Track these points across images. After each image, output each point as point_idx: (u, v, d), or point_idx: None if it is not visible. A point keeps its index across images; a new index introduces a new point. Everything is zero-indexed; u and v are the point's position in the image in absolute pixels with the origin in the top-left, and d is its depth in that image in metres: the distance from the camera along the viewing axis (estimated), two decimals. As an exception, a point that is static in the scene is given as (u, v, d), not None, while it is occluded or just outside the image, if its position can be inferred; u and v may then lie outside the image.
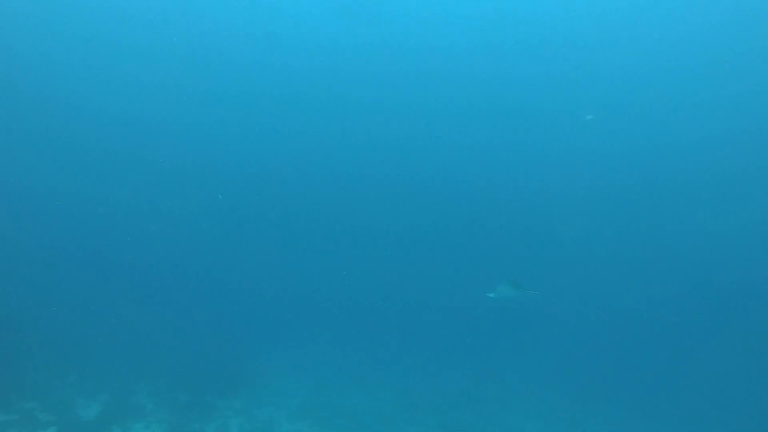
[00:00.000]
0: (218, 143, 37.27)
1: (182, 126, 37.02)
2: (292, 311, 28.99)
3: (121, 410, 15.61)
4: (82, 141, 34.31)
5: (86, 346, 21.01)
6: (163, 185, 34.99)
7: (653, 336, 30.65)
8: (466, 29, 36.72)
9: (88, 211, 32.13)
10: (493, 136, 37.72)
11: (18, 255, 27.84)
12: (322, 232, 35.67)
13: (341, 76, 37.70)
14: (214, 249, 33.04)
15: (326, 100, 37.72)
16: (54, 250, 29.27)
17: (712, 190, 35.64)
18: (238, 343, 24.22)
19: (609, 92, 36.88)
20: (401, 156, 37.67)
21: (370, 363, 25.90)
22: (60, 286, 26.91)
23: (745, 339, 28.55)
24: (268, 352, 24.50)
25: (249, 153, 37.23)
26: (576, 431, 22.11)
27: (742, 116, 35.80)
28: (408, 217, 36.38)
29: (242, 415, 17.48)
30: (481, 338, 29.63)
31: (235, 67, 37.74)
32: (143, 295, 27.97)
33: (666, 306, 31.51)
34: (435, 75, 37.34)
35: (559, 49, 36.34)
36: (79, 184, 33.03)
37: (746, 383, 25.74)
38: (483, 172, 37.21)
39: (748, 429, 23.76)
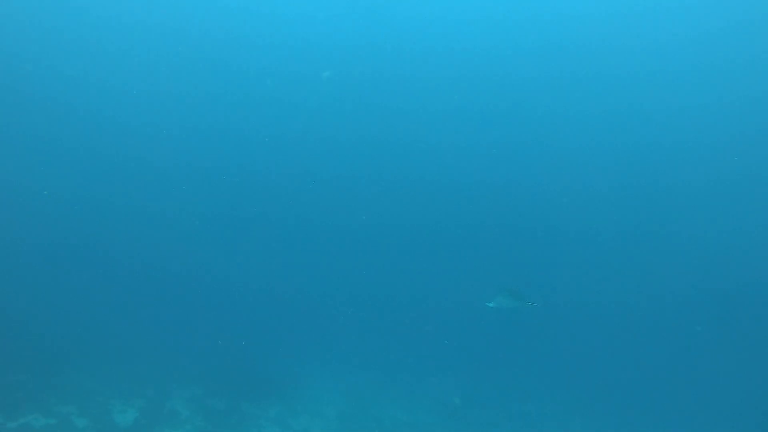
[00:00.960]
0: (233, 145, 37.30)
1: (196, 129, 37.13)
2: (329, 317, 28.54)
3: (156, 417, 15.30)
4: (103, 146, 34.95)
5: (125, 349, 21.01)
6: (193, 188, 35.28)
7: (659, 336, 29.65)
8: (468, 31, 36.19)
9: (125, 216, 32.58)
10: (498, 137, 37.05)
11: (58, 258, 28.32)
12: (358, 237, 35.40)
13: (342, 77, 37.12)
14: (254, 254, 33.04)
15: (328, 102, 37.28)
16: (93, 253, 29.66)
17: (712, 192, 34.62)
18: (275, 348, 23.88)
19: (609, 93, 36.04)
20: (421, 158, 37.09)
21: (410, 373, 25.12)
22: (100, 289, 27.18)
23: (746, 340, 27.95)
24: (305, 358, 24.06)
25: (268, 154, 37.14)
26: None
27: (743, 118, 34.79)
28: (438, 220, 35.88)
29: (277, 425, 17.00)
30: (525, 350, 28.68)
31: (237, 69, 37.67)
32: (182, 300, 28.02)
33: (669, 308, 30.79)
34: (435, 76, 36.73)
35: (561, 50, 35.60)
36: (110, 188, 33.66)
37: (747, 384, 24.92)
38: (496, 172, 36.45)
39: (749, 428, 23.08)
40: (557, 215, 35.22)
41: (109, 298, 26.09)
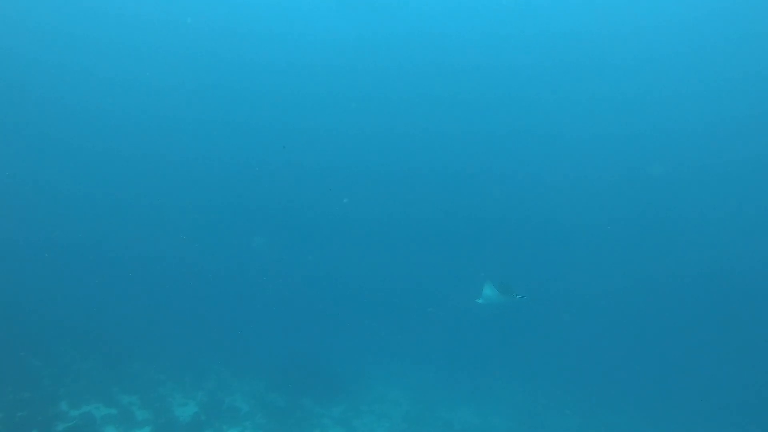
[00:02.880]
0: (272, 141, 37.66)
1: (207, 125, 37.63)
2: (394, 314, 27.42)
3: (216, 412, 14.67)
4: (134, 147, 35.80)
5: (189, 341, 20.78)
6: (252, 188, 35.51)
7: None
8: (463, 24, 34.42)
9: (186, 217, 33.24)
10: (495, 134, 36.89)
11: (126, 253, 28.92)
12: (424, 235, 34.80)
13: (341, 72, 36.90)
14: (322, 249, 32.99)
15: (327, 97, 37.16)
16: (159, 249, 30.22)
17: (712, 188, 33.85)
18: (339, 344, 23.01)
19: (609, 89, 34.77)
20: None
21: (480, 372, 23.55)
22: (166, 283, 27.49)
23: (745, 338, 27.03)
24: (370, 354, 23.04)
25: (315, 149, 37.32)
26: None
27: (743, 116, 33.09)
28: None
29: (341, 426, 15.96)
30: (603, 354, 26.56)
31: (237, 65, 37.56)
32: (246, 293, 27.90)
33: (676, 306, 30.04)
34: (434, 73, 35.92)
35: (562, 44, 33.84)
36: (163, 189, 34.44)
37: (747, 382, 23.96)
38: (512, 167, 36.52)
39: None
40: (563, 207, 35.07)
41: (174, 291, 26.31)
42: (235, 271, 29.85)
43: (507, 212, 35.96)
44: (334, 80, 37.14)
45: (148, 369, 17.44)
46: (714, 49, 32.07)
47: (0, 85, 34.65)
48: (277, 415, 15.34)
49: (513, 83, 35.86)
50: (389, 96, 37.20)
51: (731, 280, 31.00)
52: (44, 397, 13.65)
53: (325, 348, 22.71)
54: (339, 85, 37.25)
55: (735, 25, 30.23)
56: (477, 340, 26.05)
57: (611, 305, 30.99)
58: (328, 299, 28.97)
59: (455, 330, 26.50)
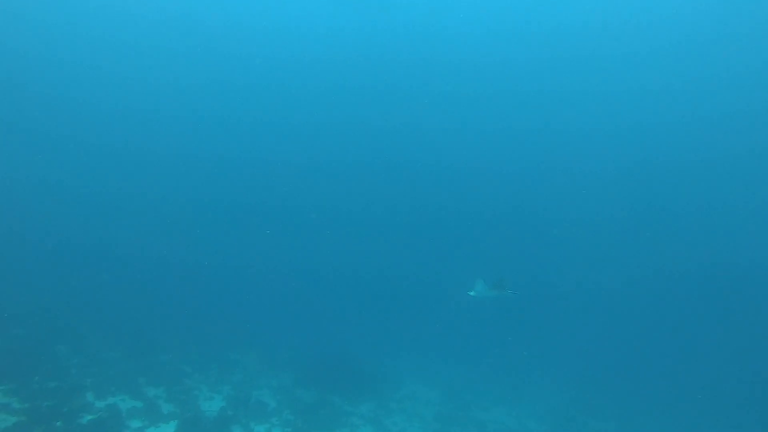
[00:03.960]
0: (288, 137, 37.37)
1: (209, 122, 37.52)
2: (425, 310, 26.69)
3: (243, 407, 14.19)
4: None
5: (216, 333, 20.46)
6: (282, 184, 35.37)
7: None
8: (463, 23, 34.46)
9: (217, 214, 33.25)
10: (493, 131, 36.92)
11: (155, 248, 28.88)
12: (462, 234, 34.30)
13: (339, 72, 36.67)
14: (355, 245, 32.83)
15: (326, 96, 36.89)
16: (189, 243, 30.24)
17: (708, 183, 33.44)
18: (367, 338, 22.37)
19: (603, 86, 34.63)
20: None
21: (516, 371, 22.66)
22: (195, 275, 27.38)
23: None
24: (400, 350, 22.38)
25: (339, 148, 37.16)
26: None
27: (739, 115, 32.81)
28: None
29: (371, 424, 15.33)
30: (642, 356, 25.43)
31: (236, 61, 37.44)
32: (273, 287, 27.56)
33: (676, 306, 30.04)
34: (428, 71, 35.81)
35: (555, 42, 33.83)
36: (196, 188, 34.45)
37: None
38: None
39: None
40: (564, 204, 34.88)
41: (202, 284, 26.13)
42: (264, 264, 29.58)
43: (516, 208, 35.89)
44: (332, 79, 37.21)
45: (175, 360, 17.13)
46: (711, 48, 31.87)
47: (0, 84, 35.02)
48: (305, 412, 14.79)
49: (507, 81, 36.01)
50: (388, 94, 37.28)
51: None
52: (71, 387, 13.36)
53: (352, 342, 22.13)
54: (337, 85, 37.34)
55: (733, 24, 29.92)
56: (512, 337, 25.12)
57: (644, 308, 30.30)
58: (355, 293, 28.42)
59: (489, 325, 25.62)
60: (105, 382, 14.24)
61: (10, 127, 33.89)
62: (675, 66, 33.02)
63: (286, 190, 35.05)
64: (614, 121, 35.35)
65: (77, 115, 36.07)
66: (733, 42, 30.77)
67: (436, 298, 28.13)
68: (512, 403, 19.83)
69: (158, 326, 19.12)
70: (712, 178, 33.63)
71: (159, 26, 36.02)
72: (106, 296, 21.27)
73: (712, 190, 33.51)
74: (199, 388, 15.25)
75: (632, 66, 33.65)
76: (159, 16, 35.62)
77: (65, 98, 36.31)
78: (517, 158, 36.84)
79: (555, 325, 28.03)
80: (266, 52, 37.57)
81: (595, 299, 31.22)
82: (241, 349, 19.45)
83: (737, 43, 30.64)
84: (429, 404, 18.20)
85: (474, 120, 37.07)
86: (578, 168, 35.61)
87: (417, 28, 35.03)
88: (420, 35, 35.26)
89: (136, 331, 18.30)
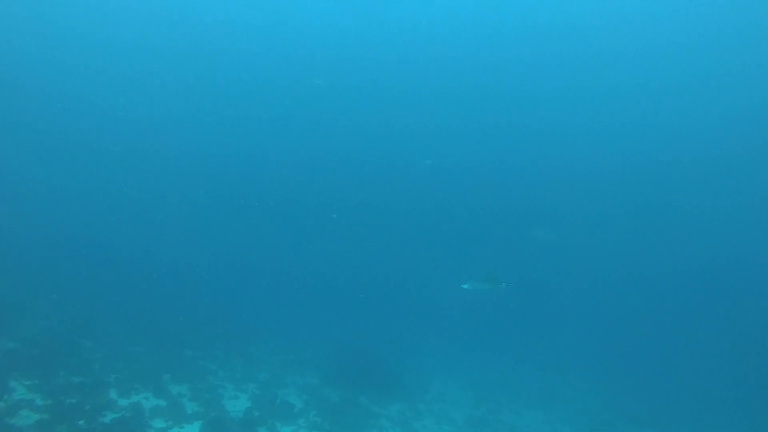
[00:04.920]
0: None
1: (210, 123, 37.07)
2: (456, 310, 25.96)
3: (269, 407, 13.70)
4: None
5: (241, 329, 20.10)
6: (317, 182, 35.12)
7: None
8: (459, 22, 33.70)
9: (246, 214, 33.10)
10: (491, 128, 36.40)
11: (178, 243, 28.79)
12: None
13: (336, 70, 36.11)
14: (378, 242, 32.58)
15: (325, 93, 36.55)
16: (219, 243, 30.15)
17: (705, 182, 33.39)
18: (397, 337, 21.78)
19: (599, 85, 34.01)
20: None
21: (549, 374, 21.83)
22: (219, 271, 27.21)
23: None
24: (429, 350, 21.71)
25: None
26: None
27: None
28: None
29: (400, 427, 14.73)
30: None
31: (236, 61, 36.96)
32: (299, 283, 27.25)
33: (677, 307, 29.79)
34: (423, 70, 35.18)
35: (561, 44, 33.14)
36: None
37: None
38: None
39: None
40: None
41: (227, 278, 25.88)
42: (288, 260, 29.29)
43: (539, 206, 35.65)
44: (332, 79, 36.85)
45: (199, 356, 16.78)
46: (710, 48, 31.24)
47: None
48: (332, 413, 14.25)
49: (502, 81, 35.48)
50: (386, 94, 37.06)
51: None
52: (94, 383, 13.04)
53: (377, 338, 21.59)
54: (336, 85, 37.05)
55: (733, 24, 29.20)
56: (547, 336, 24.31)
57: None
58: (379, 289, 27.88)
59: (522, 323, 24.83)
60: (129, 378, 13.92)
61: (46, 129, 34.27)
62: (674, 66, 32.65)
63: (312, 189, 34.90)
64: (613, 120, 35.09)
65: (103, 118, 36.33)
66: (732, 42, 30.28)
67: (461, 296, 27.54)
68: (546, 407, 19.03)
69: (183, 320, 18.80)
70: (713, 177, 33.51)
71: (158, 26, 36.11)
72: (132, 290, 21.06)
73: (712, 189, 33.44)
74: (224, 386, 14.84)
75: (631, 65, 33.27)
76: (158, 15, 35.69)
77: (72, 99, 36.41)
78: (523, 157, 36.66)
79: (584, 325, 27.15)
80: (265, 52, 37.70)
81: (629, 299, 30.22)
82: (266, 345, 19.07)
83: (737, 43, 30.16)
84: (459, 406, 17.54)
85: (474, 120, 36.88)
86: (581, 167, 35.48)
87: (416, 28, 34.84)
88: (419, 35, 35.03)
89: (160, 325, 18.03)
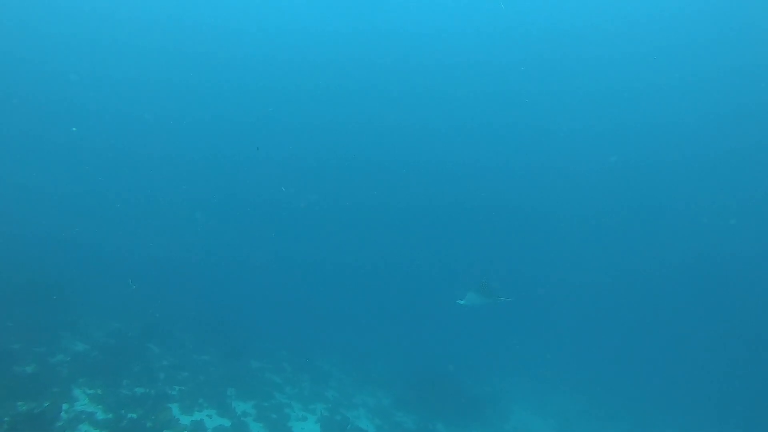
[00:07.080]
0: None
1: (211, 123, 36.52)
2: (542, 330, 23.91)
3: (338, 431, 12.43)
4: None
5: (309, 343, 19.11)
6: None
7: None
8: (457, 22, 32.95)
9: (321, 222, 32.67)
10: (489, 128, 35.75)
11: (247, 252, 28.50)
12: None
13: (333, 70, 35.50)
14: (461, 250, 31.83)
15: (325, 92, 35.92)
16: (282, 248, 29.77)
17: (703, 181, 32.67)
18: (477, 361, 20.03)
19: (596, 85, 33.55)
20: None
21: (633, 399, 19.45)
22: (289, 281, 26.71)
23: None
24: (509, 377, 19.80)
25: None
26: None
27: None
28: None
29: (483, 463, 13.03)
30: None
31: (236, 61, 36.55)
32: (372, 297, 26.18)
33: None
34: (420, 70, 34.41)
35: (559, 43, 32.34)
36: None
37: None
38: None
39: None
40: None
41: (297, 288, 25.19)
42: (362, 271, 28.39)
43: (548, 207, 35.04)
44: (330, 79, 36.28)
45: (266, 368, 15.84)
46: (708, 48, 30.25)
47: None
48: (406, 444, 12.79)
49: (499, 81, 34.79)
50: (385, 94, 36.32)
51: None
52: (157, 395, 12.31)
53: (450, 356, 19.91)
54: (335, 85, 36.40)
55: (733, 24, 28.17)
56: (637, 361, 21.86)
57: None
58: (461, 307, 26.27)
59: (610, 348, 22.43)
60: (193, 391, 13.09)
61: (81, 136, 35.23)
62: (674, 65, 31.94)
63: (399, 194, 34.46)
64: (612, 120, 34.44)
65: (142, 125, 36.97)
66: (732, 42, 29.53)
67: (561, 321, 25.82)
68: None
69: (250, 329, 18.02)
70: (712, 177, 32.75)
71: (156, 27, 36.36)
72: (200, 295, 20.63)
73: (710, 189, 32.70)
74: (291, 405, 13.72)
75: (630, 65, 32.63)
76: (156, 16, 35.93)
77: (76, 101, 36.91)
78: (519, 158, 36.07)
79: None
80: (263, 53, 37.36)
81: (629, 299, 30.02)
82: (334, 359, 17.89)
83: (737, 43, 29.39)
84: (545, 440, 15.60)
85: (473, 120, 36.19)
86: (577, 167, 34.80)
87: (416, 28, 34.15)
88: (418, 35, 34.33)
89: (227, 334, 17.29)
